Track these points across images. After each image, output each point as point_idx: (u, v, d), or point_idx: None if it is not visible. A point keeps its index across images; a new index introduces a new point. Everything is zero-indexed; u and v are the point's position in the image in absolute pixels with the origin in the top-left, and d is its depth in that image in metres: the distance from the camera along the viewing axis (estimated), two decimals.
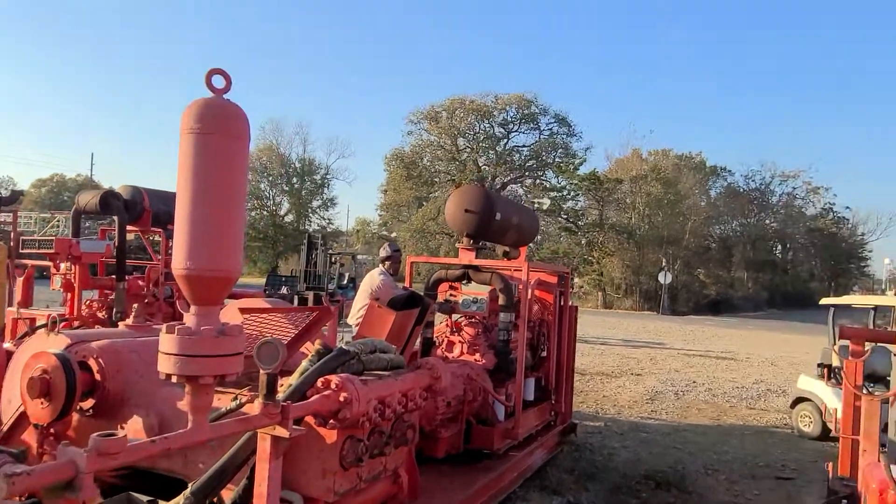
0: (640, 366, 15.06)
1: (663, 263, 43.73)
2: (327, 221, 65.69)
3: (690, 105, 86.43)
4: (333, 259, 24.64)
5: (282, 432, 2.38)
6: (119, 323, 4.15)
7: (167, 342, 2.06)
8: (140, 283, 7.97)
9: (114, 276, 7.42)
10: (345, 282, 23.04)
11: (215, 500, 2.60)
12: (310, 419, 2.83)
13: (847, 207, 64.76)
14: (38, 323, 5.01)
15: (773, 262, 61.89)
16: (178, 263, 2.12)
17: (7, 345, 3.85)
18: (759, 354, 19.04)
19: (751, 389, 12.54)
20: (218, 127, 2.14)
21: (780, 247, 64.65)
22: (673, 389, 12.00)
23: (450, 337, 5.97)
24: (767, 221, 61.72)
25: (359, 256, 29.75)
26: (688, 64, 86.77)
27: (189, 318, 2.13)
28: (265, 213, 61.26)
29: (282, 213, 64.21)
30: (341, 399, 2.80)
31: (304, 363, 3.02)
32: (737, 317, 42.70)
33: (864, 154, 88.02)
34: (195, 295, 2.15)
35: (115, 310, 7.07)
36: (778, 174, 60.47)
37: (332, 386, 2.83)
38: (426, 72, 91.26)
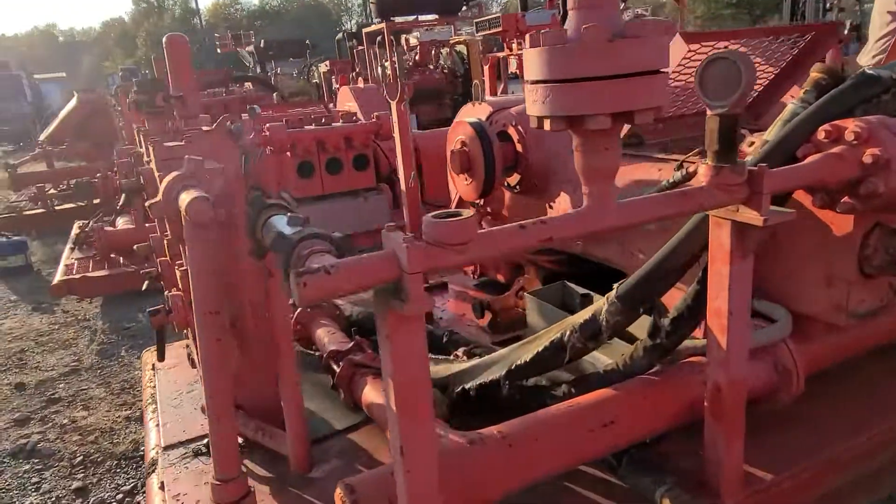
0: None
1: None
2: None
3: None
4: None
5: (750, 217, 1.36)
6: None
7: (531, 61, 1.18)
8: None
9: None
10: None
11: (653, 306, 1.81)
12: (801, 195, 1.69)
13: None
14: None
15: None
16: None
17: None
18: None
19: None
20: None
21: None
22: None
23: None
24: None
25: None
26: None
27: (569, 19, 1.19)
28: None
29: None
30: (866, 160, 1.54)
31: (792, 105, 1.81)
32: None
33: None
34: None
35: None
36: None
37: (850, 137, 1.58)
38: None
